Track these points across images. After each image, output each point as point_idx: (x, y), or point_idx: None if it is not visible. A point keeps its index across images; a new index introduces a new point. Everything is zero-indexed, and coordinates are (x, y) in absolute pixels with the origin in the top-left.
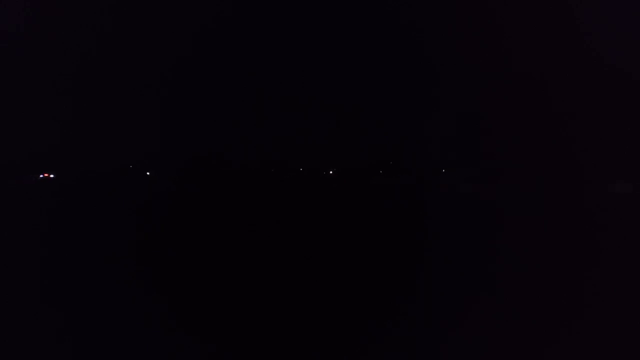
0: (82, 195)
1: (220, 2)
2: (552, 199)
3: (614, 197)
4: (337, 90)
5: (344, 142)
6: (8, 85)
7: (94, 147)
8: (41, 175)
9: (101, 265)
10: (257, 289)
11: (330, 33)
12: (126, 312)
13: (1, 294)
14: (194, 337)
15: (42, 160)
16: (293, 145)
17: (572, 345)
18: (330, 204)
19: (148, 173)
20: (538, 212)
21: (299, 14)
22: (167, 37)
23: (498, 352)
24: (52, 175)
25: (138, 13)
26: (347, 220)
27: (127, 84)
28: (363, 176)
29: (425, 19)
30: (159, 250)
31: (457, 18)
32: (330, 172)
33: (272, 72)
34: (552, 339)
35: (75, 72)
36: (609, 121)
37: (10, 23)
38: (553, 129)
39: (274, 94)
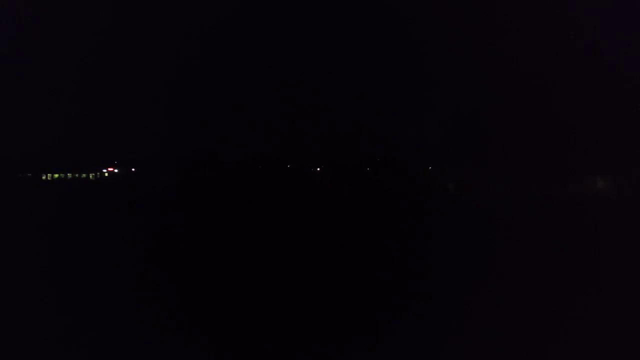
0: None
1: (210, 3)
2: (541, 198)
3: (604, 195)
4: (324, 87)
5: (331, 139)
6: (8, 85)
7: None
8: (105, 170)
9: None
10: (250, 285)
11: (321, 32)
12: (127, 310)
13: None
14: (190, 335)
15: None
16: (280, 142)
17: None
18: (318, 202)
19: (133, 169)
20: (527, 211)
21: (288, 10)
22: (159, 37)
23: (490, 352)
24: (116, 170)
25: (133, 13)
26: (336, 219)
27: (123, 84)
28: (351, 173)
29: (409, 18)
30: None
31: (450, 17)
32: (318, 169)
33: (259, 68)
34: (543, 339)
35: (77, 73)
36: (599, 119)
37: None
38: (542, 128)
39: (260, 90)
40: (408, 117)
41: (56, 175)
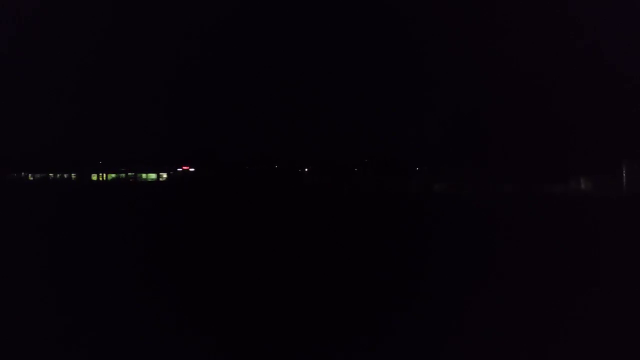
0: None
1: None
2: (542, 197)
3: (604, 194)
4: (324, 87)
5: (331, 139)
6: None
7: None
8: (179, 169)
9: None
10: (250, 285)
11: (321, 32)
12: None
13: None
14: (188, 335)
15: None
16: (280, 142)
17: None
18: (318, 202)
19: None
20: (527, 211)
21: (288, 10)
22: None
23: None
24: (192, 169)
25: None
26: (336, 219)
27: (123, 84)
28: (350, 173)
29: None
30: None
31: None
32: (306, 169)
33: (259, 68)
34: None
35: (78, 73)
36: (599, 119)
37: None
38: (542, 128)
39: (260, 91)
40: (408, 117)
41: (112, 176)
